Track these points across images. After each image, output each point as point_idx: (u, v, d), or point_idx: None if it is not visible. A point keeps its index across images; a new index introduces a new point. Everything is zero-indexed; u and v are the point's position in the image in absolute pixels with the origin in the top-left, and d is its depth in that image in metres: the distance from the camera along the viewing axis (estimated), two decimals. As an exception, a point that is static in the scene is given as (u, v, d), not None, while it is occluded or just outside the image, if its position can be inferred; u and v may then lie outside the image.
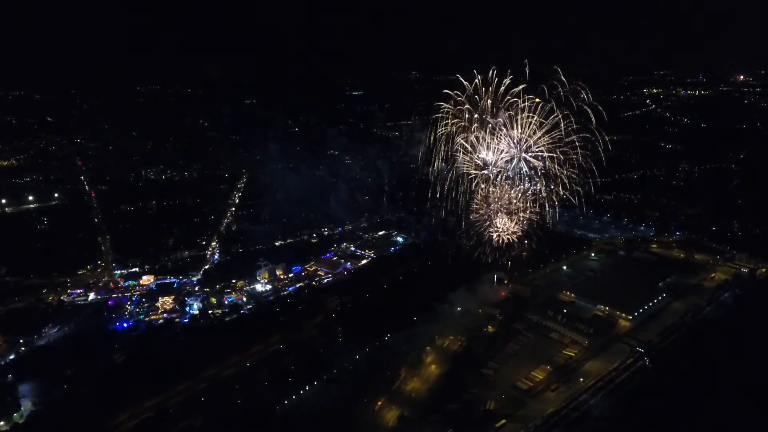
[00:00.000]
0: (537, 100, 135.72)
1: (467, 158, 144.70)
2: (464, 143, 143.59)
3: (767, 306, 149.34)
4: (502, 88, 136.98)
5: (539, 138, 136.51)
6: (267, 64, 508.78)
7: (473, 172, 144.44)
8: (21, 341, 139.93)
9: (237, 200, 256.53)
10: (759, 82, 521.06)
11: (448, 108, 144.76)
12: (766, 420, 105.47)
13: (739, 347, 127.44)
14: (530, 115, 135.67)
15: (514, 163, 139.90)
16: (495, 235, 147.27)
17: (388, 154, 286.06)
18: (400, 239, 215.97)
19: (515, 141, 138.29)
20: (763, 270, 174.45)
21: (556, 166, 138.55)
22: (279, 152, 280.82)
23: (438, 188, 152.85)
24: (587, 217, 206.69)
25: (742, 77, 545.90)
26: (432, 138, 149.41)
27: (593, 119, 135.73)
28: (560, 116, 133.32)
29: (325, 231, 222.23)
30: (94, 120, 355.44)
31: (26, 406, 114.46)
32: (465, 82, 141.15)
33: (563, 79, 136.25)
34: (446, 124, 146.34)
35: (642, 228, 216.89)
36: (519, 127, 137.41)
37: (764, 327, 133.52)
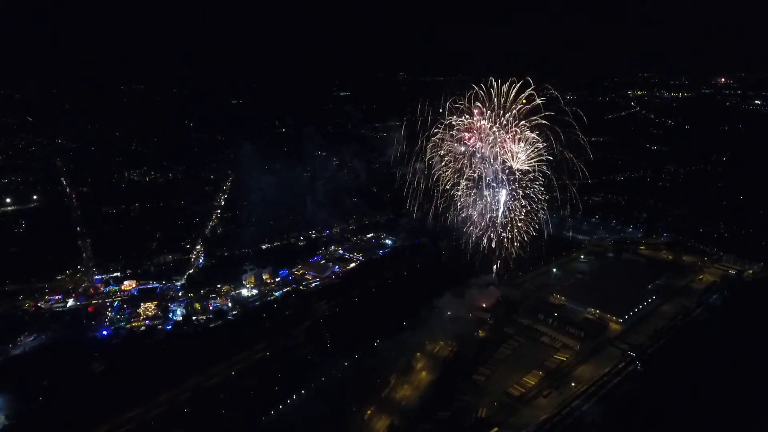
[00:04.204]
0: (524, 101, 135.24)
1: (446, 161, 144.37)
2: (442, 146, 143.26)
3: (755, 307, 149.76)
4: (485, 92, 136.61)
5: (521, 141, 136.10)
6: (254, 64, 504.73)
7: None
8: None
9: (222, 202, 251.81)
10: (739, 84, 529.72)
11: (430, 109, 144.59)
12: (757, 421, 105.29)
13: (728, 349, 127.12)
14: (513, 119, 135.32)
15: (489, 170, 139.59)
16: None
17: (375, 156, 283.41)
18: (389, 242, 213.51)
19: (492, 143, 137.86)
20: (750, 271, 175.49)
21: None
22: (265, 153, 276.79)
23: (422, 190, 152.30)
24: (576, 219, 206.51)
25: (723, 80, 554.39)
26: (421, 141, 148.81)
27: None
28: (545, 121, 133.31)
29: (312, 234, 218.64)
30: (76, 120, 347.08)
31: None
32: (444, 86, 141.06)
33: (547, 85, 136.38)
34: (427, 127, 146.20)
35: (630, 229, 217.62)
36: (500, 129, 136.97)
37: (752, 328, 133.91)
